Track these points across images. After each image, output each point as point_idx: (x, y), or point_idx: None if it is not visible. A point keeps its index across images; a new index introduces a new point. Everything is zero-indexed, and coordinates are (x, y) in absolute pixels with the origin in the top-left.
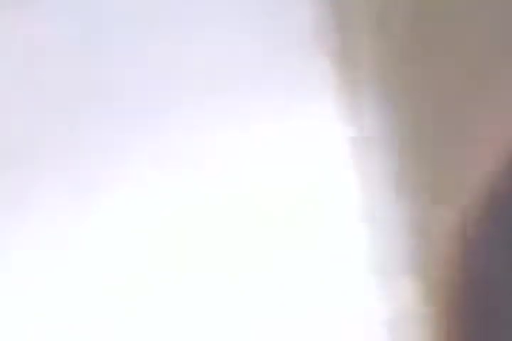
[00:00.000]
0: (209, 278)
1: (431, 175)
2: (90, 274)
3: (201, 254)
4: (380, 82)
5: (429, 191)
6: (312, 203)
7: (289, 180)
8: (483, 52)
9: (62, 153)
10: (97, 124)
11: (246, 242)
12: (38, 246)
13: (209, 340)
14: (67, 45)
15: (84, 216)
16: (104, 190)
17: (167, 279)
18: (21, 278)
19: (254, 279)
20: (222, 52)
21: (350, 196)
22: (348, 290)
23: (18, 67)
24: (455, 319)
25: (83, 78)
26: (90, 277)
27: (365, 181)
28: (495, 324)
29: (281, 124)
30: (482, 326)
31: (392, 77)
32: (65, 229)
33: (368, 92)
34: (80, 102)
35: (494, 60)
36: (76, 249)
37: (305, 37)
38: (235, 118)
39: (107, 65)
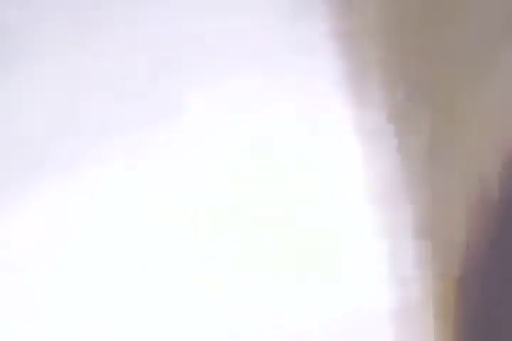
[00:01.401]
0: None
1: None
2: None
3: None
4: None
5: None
6: (314, 184)
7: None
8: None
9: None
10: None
11: (246, 226)
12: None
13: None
14: None
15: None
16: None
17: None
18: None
19: (256, 270)
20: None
21: (354, 173)
22: (354, 280)
23: None
24: (464, 313)
25: None
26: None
27: (369, 160)
28: (506, 319)
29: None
30: (492, 321)
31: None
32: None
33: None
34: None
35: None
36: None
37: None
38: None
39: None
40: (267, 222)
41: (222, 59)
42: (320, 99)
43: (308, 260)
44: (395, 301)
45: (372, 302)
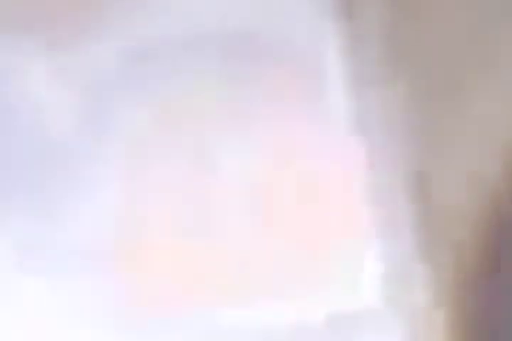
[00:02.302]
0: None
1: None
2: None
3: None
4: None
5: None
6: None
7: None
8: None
9: None
10: None
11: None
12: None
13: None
14: None
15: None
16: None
17: None
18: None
19: (255, 269)
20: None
21: (354, 174)
22: (353, 280)
23: None
24: (465, 313)
25: None
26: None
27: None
28: (507, 320)
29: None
30: (494, 321)
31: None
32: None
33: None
34: None
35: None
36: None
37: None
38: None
39: None
40: (268, 221)
41: None
42: (320, 105)
43: (307, 260)
44: (395, 301)
45: (371, 302)
